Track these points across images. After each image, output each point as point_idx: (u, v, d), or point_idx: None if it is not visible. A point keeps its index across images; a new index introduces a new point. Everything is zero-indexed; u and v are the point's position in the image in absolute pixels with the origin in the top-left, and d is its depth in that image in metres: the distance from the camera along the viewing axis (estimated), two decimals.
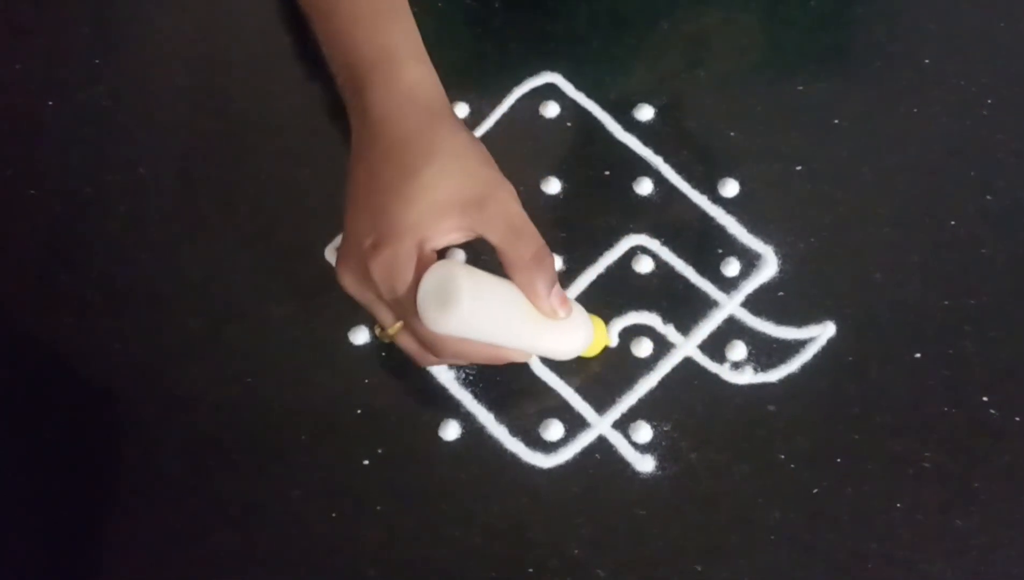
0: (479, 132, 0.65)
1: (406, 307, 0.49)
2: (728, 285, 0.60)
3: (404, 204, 0.49)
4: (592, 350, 0.57)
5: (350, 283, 0.52)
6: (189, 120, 0.68)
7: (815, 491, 0.55)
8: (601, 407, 0.58)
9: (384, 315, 0.52)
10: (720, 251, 0.61)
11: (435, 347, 0.51)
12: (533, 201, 0.63)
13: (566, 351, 0.55)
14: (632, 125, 0.65)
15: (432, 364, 0.53)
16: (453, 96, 0.65)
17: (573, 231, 0.62)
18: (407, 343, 0.53)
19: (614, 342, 0.59)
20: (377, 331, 0.53)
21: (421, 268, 0.49)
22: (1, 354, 0.63)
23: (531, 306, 0.51)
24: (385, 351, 0.59)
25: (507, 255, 0.50)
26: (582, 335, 0.54)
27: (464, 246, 0.58)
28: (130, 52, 0.70)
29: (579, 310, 0.54)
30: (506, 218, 0.50)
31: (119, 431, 0.60)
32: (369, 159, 0.51)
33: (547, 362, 0.58)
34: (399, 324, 0.52)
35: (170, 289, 0.62)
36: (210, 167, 0.66)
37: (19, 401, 0.61)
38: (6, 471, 0.59)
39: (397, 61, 0.52)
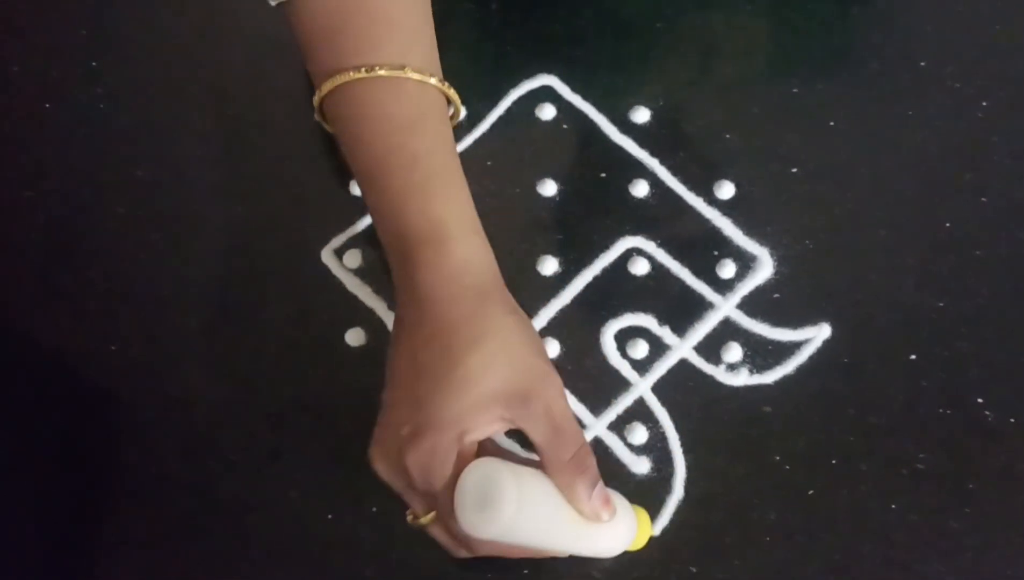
0: (476, 134, 0.65)
1: (441, 501, 0.47)
2: (724, 287, 0.60)
3: (446, 395, 0.47)
4: (637, 544, 0.53)
5: (384, 470, 0.49)
6: (186, 121, 0.68)
7: (810, 492, 0.56)
8: (597, 409, 0.58)
9: (417, 504, 0.49)
10: (716, 253, 0.61)
11: (469, 544, 0.49)
12: (529, 203, 0.63)
13: (609, 550, 0.51)
14: (628, 127, 0.65)
15: (465, 556, 0.50)
16: None
17: (569, 233, 0.62)
18: (439, 535, 0.50)
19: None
20: (409, 518, 0.50)
21: (460, 462, 0.46)
22: None
23: (572, 507, 0.48)
24: (381, 353, 0.60)
25: (547, 455, 0.47)
26: (625, 531, 0.51)
27: None
28: (127, 54, 0.71)
29: (623, 505, 0.51)
30: (549, 416, 0.47)
31: (116, 431, 0.60)
32: (413, 341, 0.48)
33: None
34: (432, 514, 0.49)
35: (168, 290, 0.62)
36: (207, 168, 0.66)
37: (17, 401, 0.61)
38: (3, 471, 0.59)
39: (449, 237, 0.49)
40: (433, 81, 0.50)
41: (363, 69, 0.49)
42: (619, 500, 0.51)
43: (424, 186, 0.49)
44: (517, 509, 0.45)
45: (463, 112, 0.65)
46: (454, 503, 0.46)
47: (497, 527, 0.45)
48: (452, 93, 0.52)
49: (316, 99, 0.51)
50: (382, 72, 0.49)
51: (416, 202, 0.49)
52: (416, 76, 0.50)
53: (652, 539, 0.54)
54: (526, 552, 0.50)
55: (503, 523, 0.45)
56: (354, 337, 0.60)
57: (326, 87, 0.50)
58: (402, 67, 0.49)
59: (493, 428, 0.48)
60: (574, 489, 0.47)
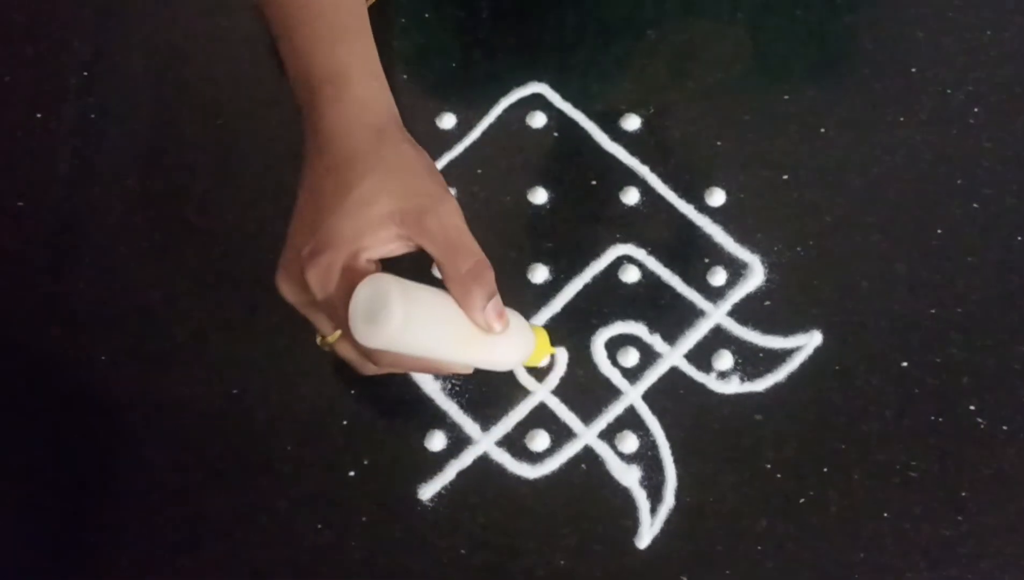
0: (466, 142, 0.65)
1: (342, 316, 0.49)
2: (714, 294, 0.60)
3: (341, 217, 0.50)
4: (533, 360, 0.57)
5: (287, 290, 0.52)
6: (178, 131, 0.68)
7: (801, 500, 0.55)
8: (587, 417, 0.58)
9: (322, 323, 0.53)
10: (707, 260, 0.61)
11: (372, 357, 0.51)
12: (520, 211, 0.63)
13: (504, 363, 0.54)
14: (619, 135, 0.65)
15: (372, 373, 0.54)
16: (440, 106, 0.66)
17: (560, 241, 0.62)
18: (346, 351, 0.53)
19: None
20: (318, 340, 0.53)
21: (357, 278, 0.49)
22: None
23: (468, 319, 0.50)
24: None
25: (444, 268, 0.50)
26: (520, 347, 0.54)
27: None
28: (119, 65, 0.71)
29: (519, 322, 0.54)
30: (443, 231, 0.50)
31: (106, 440, 0.60)
32: (315, 174, 0.52)
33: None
34: (338, 332, 0.52)
35: (156, 299, 0.62)
36: (198, 179, 0.66)
37: (7, 410, 0.61)
38: None
39: (349, 78, 0.53)
40: None
41: None
42: (516, 317, 0.53)
43: (330, 35, 0.55)
44: (405, 316, 0.47)
45: (452, 119, 0.66)
46: (348, 315, 0.48)
47: (386, 334, 0.47)
48: None
49: None
50: None
51: (323, 49, 0.54)
52: None
53: (553, 357, 0.59)
54: (427, 365, 0.52)
55: (391, 331, 0.47)
56: None
57: None
58: None
59: (390, 247, 0.51)
60: (468, 299, 0.50)
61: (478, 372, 0.59)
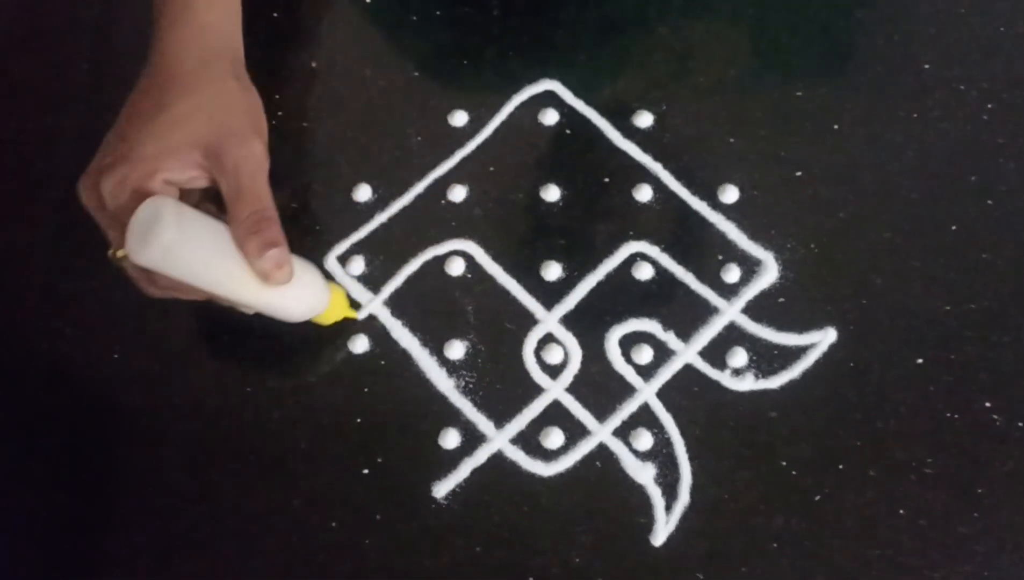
0: (478, 139, 0.65)
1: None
2: (728, 291, 0.60)
3: (147, 134, 0.51)
4: (325, 318, 0.58)
5: (85, 196, 0.52)
6: None
7: (817, 498, 0.55)
8: (601, 415, 0.58)
9: (115, 236, 0.52)
10: (720, 257, 0.61)
11: (151, 278, 0.52)
12: (532, 208, 0.63)
13: (284, 312, 0.55)
14: (631, 132, 0.65)
15: (154, 294, 0.54)
16: (452, 104, 0.66)
17: (573, 238, 0.62)
18: (130, 269, 0.53)
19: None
20: (110, 253, 0.53)
21: (148, 197, 0.50)
22: (2, 364, 0.63)
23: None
24: (385, 360, 0.60)
25: (229, 209, 0.51)
26: (304, 301, 0.55)
27: None
28: (129, 65, 0.70)
29: (311, 277, 0.55)
30: (236, 173, 0.51)
31: (119, 440, 0.60)
32: (137, 90, 0.53)
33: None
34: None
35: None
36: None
37: (20, 410, 0.61)
38: (6, 479, 0.59)
39: (196, 3, 0.54)
40: None
41: None
42: (309, 272, 0.55)
43: None
44: (175, 240, 0.48)
45: (465, 117, 0.66)
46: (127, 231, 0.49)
47: (154, 254, 0.48)
48: None
49: None
50: None
51: None
52: None
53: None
54: (200, 295, 0.53)
55: (158, 251, 0.48)
56: (358, 344, 0.60)
57: None
58: None
59: (189, 174, 0.52)
60: (245, 245, 0.50)
61: (490, 369, 0.59)
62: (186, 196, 0.53)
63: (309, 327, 0.60)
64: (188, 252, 0.49)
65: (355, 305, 0.60)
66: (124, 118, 0.53)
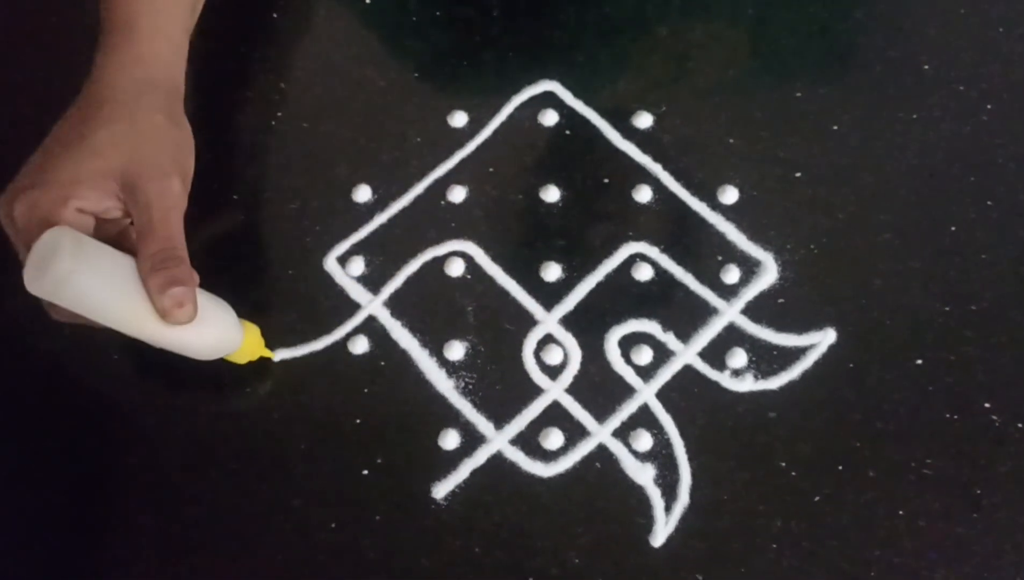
0: (478, 140, 0.65)
1: None
2: (728, 292, 0.60)
3: (65, 160, 0.50)
4: (238, 357, 0.57)
5: (2, 215, 0.52)
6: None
7: (816, 498, 0.55)
8: (601, 415, 0.58)
9: (24, 257, 0.51)
10: (720, 258, 0.61)
11: (50, 304, 0.51)
12: (532, 209, 0.63)
13: (188, 350, 0.53)
14: (631, 132, 0.65)
15: (59, 318, 0.52)
16: (452, 105, 0.66)
17: (572, 239, 0.62)
18: None
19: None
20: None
21: (56, 224, 0.49)
22: (2, 364, 0.63)
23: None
24: (384, 361, 0.60)
25: (138, 243, 0.50)
26: (210, 339, 0.54)
27: None
28: None
29: (222, 315, 0.54)
30: (148, 209, 0.50)
31: (118, 440, 0.60)
32: (67, 113, 0.53)
33: None
34: None
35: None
36: (208, 178, 0.66)
37: (19, 410, 0.61)
38: (6, 479, 0.59)
39: (136, 32, 0.54)
40: None
41: None
42: (220, 310, 0.54)
43: None
44: (69, 273, 0.47)
45: (464, 118, 0.66)
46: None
47: (45, 285, 0.47)
48: None
49: None
50: None
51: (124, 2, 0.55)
52: None
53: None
54: (100, 326, 0.51)
55: (50, 282, 0.47)
56: (357, 344, 0.60)
57: None
58: None
59: (104, 204, 0.51)
60: (148, 281, 0.50)
61: (490, 370, 0.59)
62: (106, 227, 0.53)
63: (306, 325, 0.61)
64: (84, 285, 0.48)
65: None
66: (49, 141, 0.53)
